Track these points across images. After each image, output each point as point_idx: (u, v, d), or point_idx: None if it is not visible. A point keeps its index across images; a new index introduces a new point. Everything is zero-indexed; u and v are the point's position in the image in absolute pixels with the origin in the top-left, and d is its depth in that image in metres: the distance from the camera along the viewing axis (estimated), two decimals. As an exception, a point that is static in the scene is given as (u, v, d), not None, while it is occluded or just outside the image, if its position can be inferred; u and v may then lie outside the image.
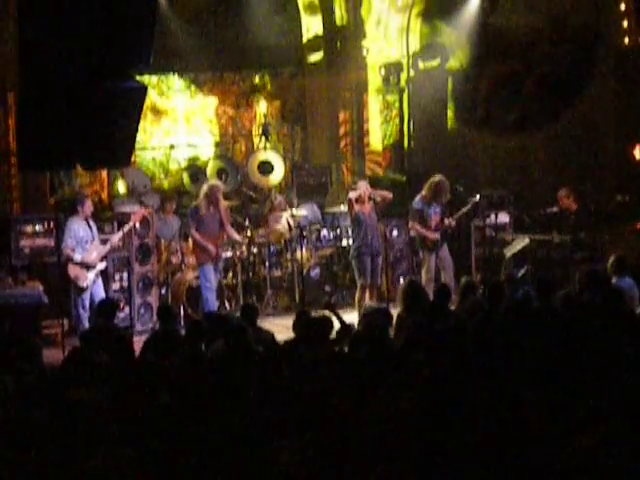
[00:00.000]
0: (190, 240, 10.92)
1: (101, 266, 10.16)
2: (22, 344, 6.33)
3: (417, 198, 10.85)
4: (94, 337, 7.45)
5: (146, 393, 5.34)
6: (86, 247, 10.00)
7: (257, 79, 14.72)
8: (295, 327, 7.13)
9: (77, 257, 9.90)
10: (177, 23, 13.41)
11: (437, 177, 10.83)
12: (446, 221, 10.80)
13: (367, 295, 10.66)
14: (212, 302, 10.38)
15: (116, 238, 10.37)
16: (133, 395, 5.28)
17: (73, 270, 9.90)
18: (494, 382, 5.60)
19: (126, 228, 10.48)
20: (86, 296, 9.94)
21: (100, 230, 10.52)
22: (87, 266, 9.97)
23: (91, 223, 10.20)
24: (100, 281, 10.17)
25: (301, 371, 5.87)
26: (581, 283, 7.91)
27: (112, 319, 8.00)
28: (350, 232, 11.30)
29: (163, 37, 11.63)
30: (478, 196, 11.34)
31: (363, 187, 10.72)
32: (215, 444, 4.56)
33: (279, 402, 5.27)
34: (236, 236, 10.98)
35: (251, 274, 11.86)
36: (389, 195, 10.84)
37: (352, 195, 10.65)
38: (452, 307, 8.18)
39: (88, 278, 9.95)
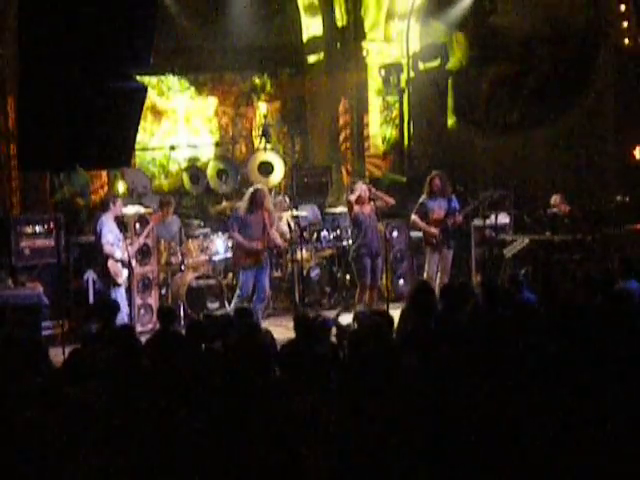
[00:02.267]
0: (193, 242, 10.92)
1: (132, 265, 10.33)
2: (27, 345, 6.32)
3: (423, 194, 10.95)
4: (95, 337, 7.45)
5: (146, 394, 5.35)
6: (119, 245, 10.11)
7: (257, 79, 14.72)
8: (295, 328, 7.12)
9: (118, 254, 10.05)
10: (177, 23, 13.41)
11: (432, 173, 10.97)
12: (457, 217, 10.80)
13: (367, 296, 10.66)
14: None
15: (142, 239, 10.53)
16: (133, 395, 5.28)
17: (113, 266, 10.04)
18: (493, 383, 5.60)
19: (147, 229, 10.61)
20: (120, 292, 10.07)
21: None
22: (123, 264, 10.12)
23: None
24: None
25: (300, 372, 5.86)
26: (583, 284, 7.88)
27: (114, 319, 7.99)
28: (350, 233, 11.30)
29: (164, 37, 11.63)
30: (487, 194, 11.47)
31: (362, 188, 10.74)
32: (215, 444, 4.57)
33: (279, 402, 5.27)
34: (279, 241, 10.79)
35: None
36: (391, 200, 10.82)
37: (352, 198, 10.63)
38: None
39: (123, 275, 10.13)
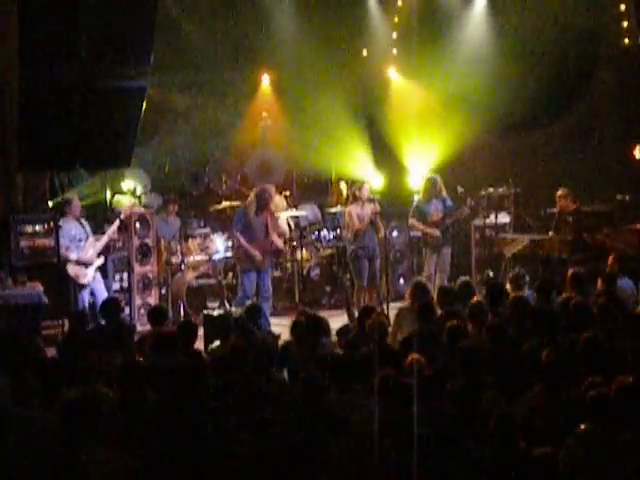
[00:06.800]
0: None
1: (99, 262, 10.36)
2: (22, 343, 6.33)
3: (416, 197, 10.97)
4: (96, 336, 7.46)
5: (144, 393, 5.35)
6: (80, 245, 10.22)
7: (257, 79, 14.69)
8: (292, 329, 7.09)
9: (73, 256, 10.15)
10: (177, 23, 13.39)
11: (428, 176, 11.04)
12: (447, 220, 10.83)
13: (367, 296, 10.67)
14: None
15: (110, 232, 10.49)
16: (132, 395, 5.28)
17: (72, 269, 10.13)
18: (494, 381, 5.61)
19: (116, 223, 10.54)
20: (86, 293, 10.15)
21: (101, 229, 10.75)
22: (85, 264, 10.17)
23: (83, 222, 10.45)
24: (100, 277, 10.40)
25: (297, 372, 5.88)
26: (575, 283, 7.88)
27: (116, 318, 7.98)
28: (346, 233, 11.29)
29: (164, 37, 11.61)
30: (471, 202, 11.29)
31: (365, 188, 10.82)
32: (211, 443, 4.57)
33: (275, 402, 5.27)
34: (280, 244, 10.62)
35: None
36: (382, 232, 10.78)
37: (354, 213, 10.61)
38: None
39: (88, 275, 10.16)
